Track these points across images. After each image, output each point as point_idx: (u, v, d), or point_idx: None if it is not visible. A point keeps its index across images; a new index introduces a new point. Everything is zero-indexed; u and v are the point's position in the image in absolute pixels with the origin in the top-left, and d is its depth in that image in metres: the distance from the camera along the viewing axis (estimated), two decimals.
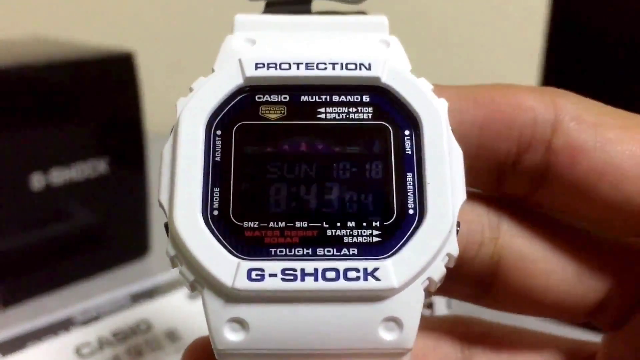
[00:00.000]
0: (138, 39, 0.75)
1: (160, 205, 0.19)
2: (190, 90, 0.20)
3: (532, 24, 0.83)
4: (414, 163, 0.20)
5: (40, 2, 0.91)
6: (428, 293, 0.19)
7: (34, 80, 0.50)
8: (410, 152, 0.20)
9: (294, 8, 0.22)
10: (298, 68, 0.20)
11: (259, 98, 0.20)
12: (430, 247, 0.19)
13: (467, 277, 0.24)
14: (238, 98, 0.20)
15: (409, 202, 0.19)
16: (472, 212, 0.23)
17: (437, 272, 0.19)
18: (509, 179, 0.23)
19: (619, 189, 0.21)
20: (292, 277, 0.18)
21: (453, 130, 0.20)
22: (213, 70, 0.20)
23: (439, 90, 0.21)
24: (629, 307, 0.24)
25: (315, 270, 0.18)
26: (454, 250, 0.19)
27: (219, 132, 0.19)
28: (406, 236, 0.19)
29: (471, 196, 0.23)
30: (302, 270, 0.18)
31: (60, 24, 0.90)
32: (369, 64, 0.20)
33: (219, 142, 0.19)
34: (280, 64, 0.20)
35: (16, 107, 0.49)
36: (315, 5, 0.23)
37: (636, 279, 0.23)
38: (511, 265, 0.23)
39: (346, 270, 0.18)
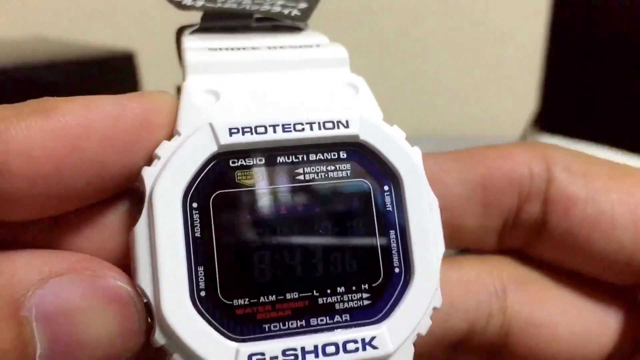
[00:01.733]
0: (138, 39, 0.75)
1: (141, 290, 0.17)
2: (157, 157, 0.18)
3: (533, 31, 0.83)
4: (395, 219, 0.19)
5: (42, 2, 0.91)
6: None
7: (35, 79, 0.50)
8: (390, 209, 0.19)
9: (234, 22, 0.21)
10: (275, 131, 0.19)
11: (233, 163, 0.19)
12: (420, 307, 0.19)
13: (478, 349, 0.24)
14: (211, 165, 0.18)
15: (394, 260, 0.19)
16: (477, 282, 0.23)
17: (425, 326, 0.19)
18: (509, 233, 0.23)
19: (610, 237, 0.22)
20: (293, 358, 0.18)
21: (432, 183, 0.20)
22: (178, 133, 0.18)
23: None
24: (629, 356, 0.23)
25: (315, 347, 0.18)
26: (438, 303, 0.20)
27: (195, 205, 0.18)
28: (395, 296, 0.19)
29: (473, 262, 0.24)
30: (302, 348, 0.18)
31: (61, 23, 0.90)
32: (347, 121, 0.19)
33: (196, 216, 0.18)
34: (256, 128, 0.19)
35: None
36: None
37: (634, 331, 0.23)
38: (521, 333, 0.23)
39: (345, 342, 0.18)
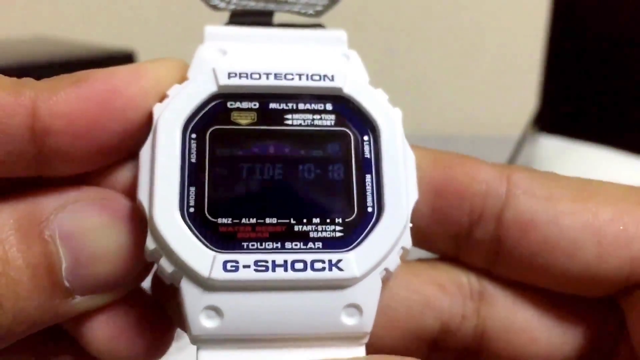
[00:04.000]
0: (138, 38, 0.76)
1: (139, 203, 0.20)
2: (166, 96, 0.21)
3: (532, 28, 0.83)
4: (372, 166, 0.21)
5: (42, 2, 0.91)
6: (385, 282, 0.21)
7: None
8: (368, 156, 0.21)
9: (257, 19, 0.23)
10: (267, 78, 0.21)
11: (231, 105, 0.21)
12: (388, 241, 0.20)
13: (453, 350, 0.24)
14: (211, 104, 0.21)
15: (368, 200, 0.21)
16: (452, 283, 0.23)
17: (393, 263, 0.20)
18: (465, 250, 0.23)
19: (575, 258, 0.22)
20: (264, 268, 0.19)
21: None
22: (187, 78, 0.21)
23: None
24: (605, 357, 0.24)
25: (285, 261, 0.19)
26: (408, 244, 0.21)
27: (193, 136, 0.21)
28: (366, 231, 0.20)
29: (449, 263, 0.24)
30: (273, 262, 0.19)
31: (61, 23, 0.90)
32: (332, 76, 0.22)
33: (194, 145, 0.21)
34: (251, 74, 0.21)
35: None
36: (277, 17, 0.24)
37: (608, 331, 0.23)
38: (497, 337, 0.23)
39: (313, 261, 0.20)
